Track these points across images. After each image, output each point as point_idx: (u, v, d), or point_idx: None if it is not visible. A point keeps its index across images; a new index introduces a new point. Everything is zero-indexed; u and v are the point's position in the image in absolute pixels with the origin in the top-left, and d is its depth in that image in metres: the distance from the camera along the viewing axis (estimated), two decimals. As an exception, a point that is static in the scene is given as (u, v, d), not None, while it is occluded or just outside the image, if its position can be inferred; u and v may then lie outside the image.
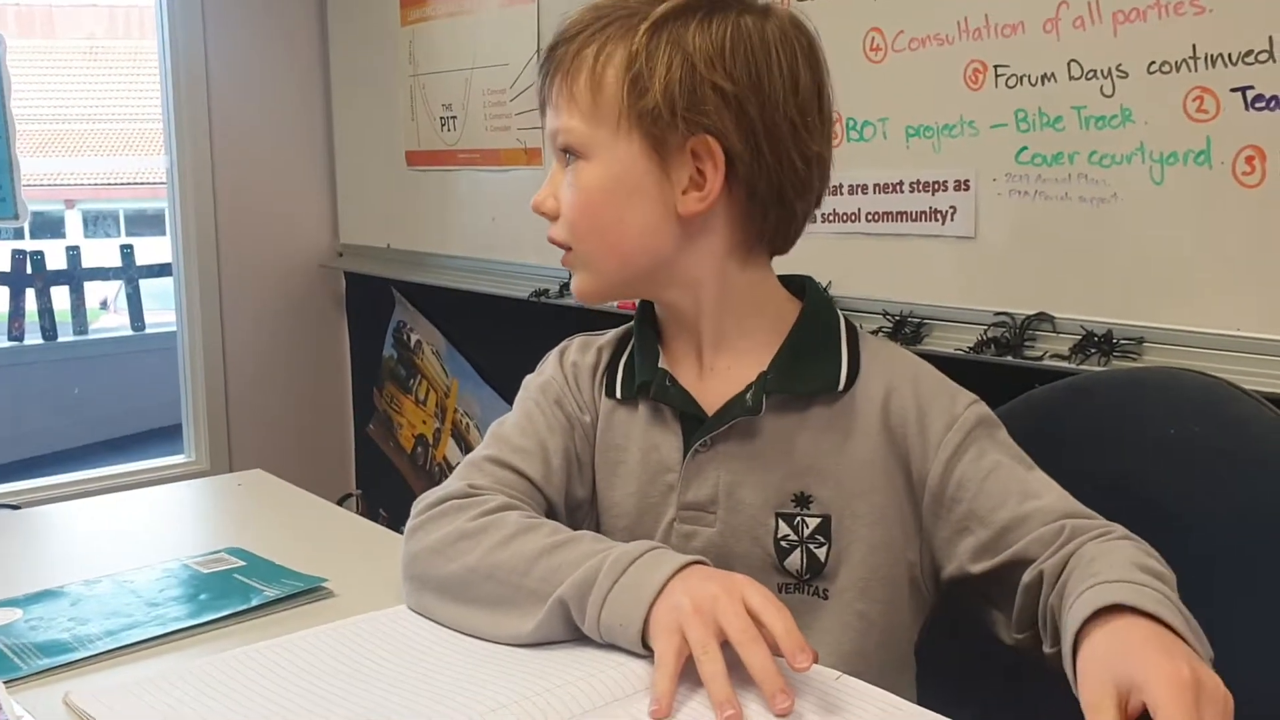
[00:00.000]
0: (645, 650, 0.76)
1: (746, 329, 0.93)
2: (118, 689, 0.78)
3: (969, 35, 1.56)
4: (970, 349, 1.55)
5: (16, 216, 2.69)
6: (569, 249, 0.92)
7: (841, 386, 0.91)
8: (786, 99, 0.87)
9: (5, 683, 0.79)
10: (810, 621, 0.88)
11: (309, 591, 0.97)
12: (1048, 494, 0.87)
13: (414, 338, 2.95)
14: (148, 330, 5.26)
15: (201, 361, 2.95)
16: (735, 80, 0.85)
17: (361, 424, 3.20)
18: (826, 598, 0.89)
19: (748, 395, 0.90)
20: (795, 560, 0.89)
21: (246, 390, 3.03)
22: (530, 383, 1.01)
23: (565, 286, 2.32)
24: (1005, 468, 0.88)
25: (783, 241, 0.94)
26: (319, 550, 1.08)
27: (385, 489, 3.10)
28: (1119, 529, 0.85)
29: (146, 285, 5.21)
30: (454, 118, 2.63)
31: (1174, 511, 1.01)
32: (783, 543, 0.89)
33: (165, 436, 4.32)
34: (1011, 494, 0.87)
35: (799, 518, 0.89)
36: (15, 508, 1.58)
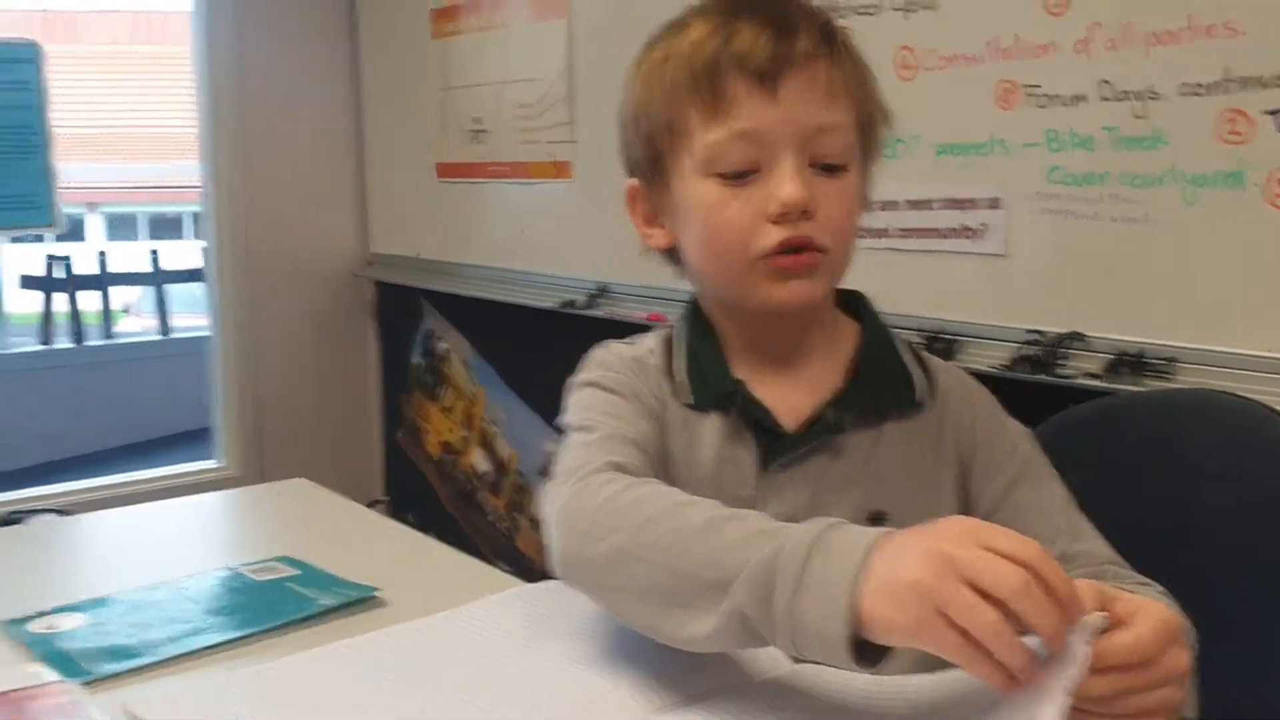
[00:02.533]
0: (859, 664, 0.65)
1: (815, 341, 0.94)
2: (175, 698, 0.80)
3: (999, 55, 1.58)
4: (1003, 366, 1.57)
5: (53, 224, 2.74)
6: (823, 252, 0.87)
7: (920, 400, 0.92)
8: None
9: (82, 685, 0.81)
10: None
11: (361, 601, 1.00)
12: (1095, 540, 0.89)
13: (442, 346, 2.98)
14: (173, 335, 5.34)
15: (234, 368, 2.99)
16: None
17: (390, 431, 3.23)
18: None
19: (829, 412, 0.90)
20: None
21: (277, 397, 3.06)
22: (595, 379, 0.95)
23: (594, 297, 2.35)
24: (1058, 505, 0.90)
25: None
26: (367, 559, 1.11)
27: (413, 496, 3.12)
28: (1156, 586, 0.86)
29: (173, 291, 5.28)
30: (484, 131, 2.66)
31: (1207, 533, 1.03)
32: None
33: (189, 441, 4.37)
34: (1062, 532, 0.88)
35: None
36: (64, 513, 1.62)
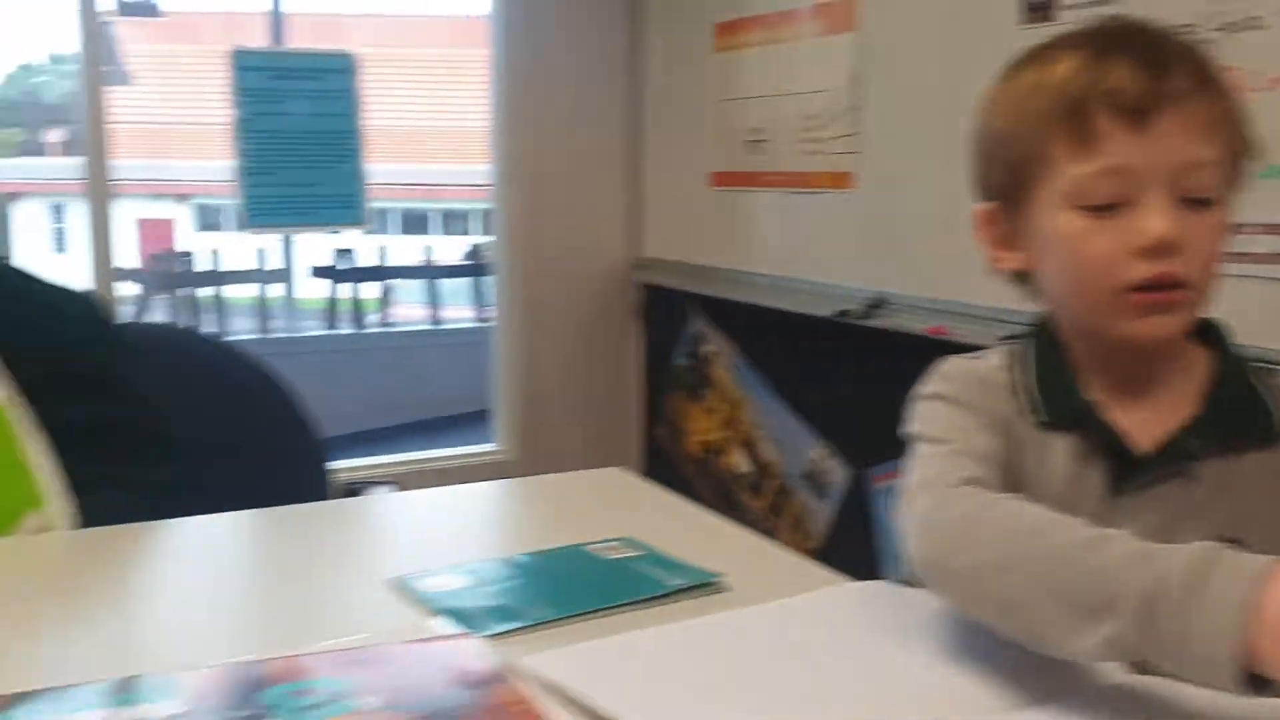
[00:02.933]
0: (1247, 692, 0.68)
1: (1167, 369, 0.95)
2: (567, 656, 0.90)
3: (1332, 77, 1.54)
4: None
5: (363, 222, 2.99)
6: (1187, 288, 0.89)
7: (1277, 432, 0.92)
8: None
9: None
10: None
11: (705, 585, 1.08)
12: None
13: (708, 349, 3.08)
14: (443, 325, 5.68)
15: (514, 358, 3.18)
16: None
17: (650, 428, 3.36)
18: None
19: (1188, 439, 0.91)
20: None
21: (548, 387, 3.24)
22: (942, 392, 0.99)
23: (871, 308, 2.40)
24: None
25: None
26: (698, 547, 1.19)
27: (671, 490, 3.23)
28: None
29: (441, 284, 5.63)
30: (763, 141, 2.74)
31: None
32: None
33: (456, 424, 4.65)
34: None
35: None
36: (397, 485, 1.79)
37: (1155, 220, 0.87)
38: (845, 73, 2.46)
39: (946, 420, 0.96)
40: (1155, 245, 0.87)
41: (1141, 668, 0.80)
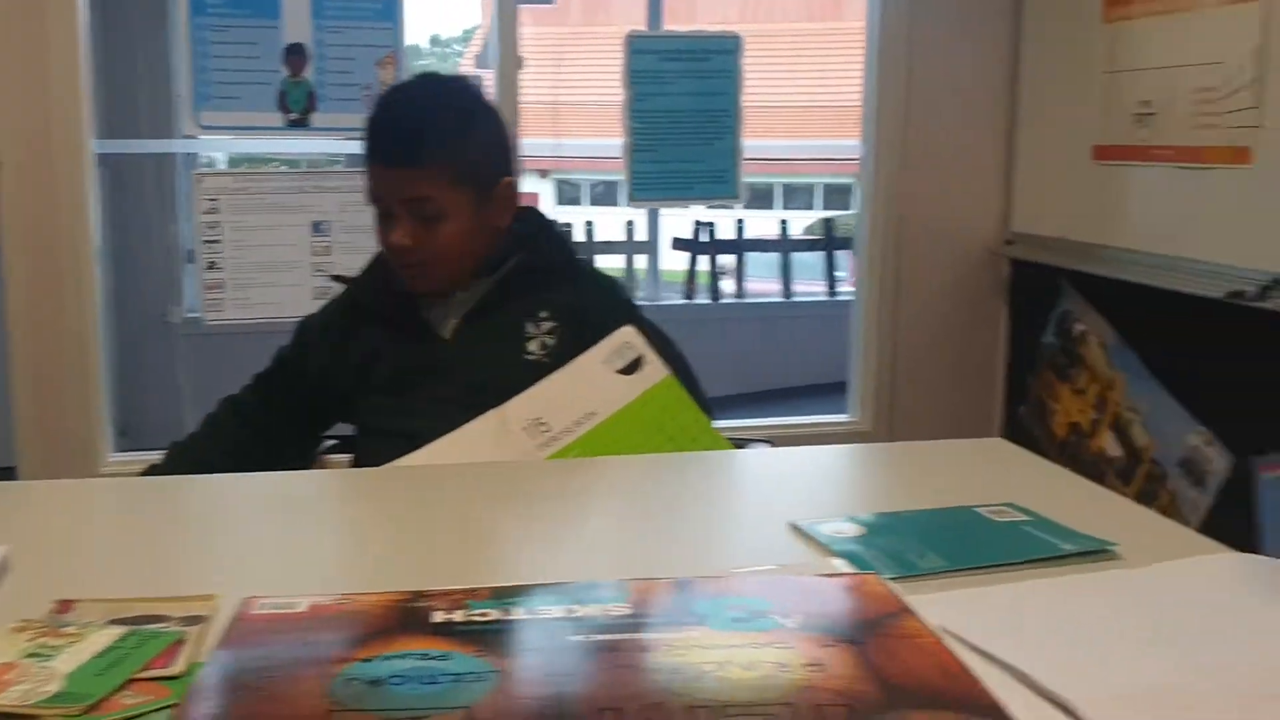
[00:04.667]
0: None
1: None
2: (968, 604, 0.96)
3: None
4: None
5: (737, 196, 3.13)
6: None
7: None
8: None
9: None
10: None
11: (1097, 552, 1.11)
12: None
13: (1079, 328, 3.00)
14: (794, 299, 5.79)
15: (875, 330, 3.22)
16: None
17: (1012, 406, 3.31)
18: None
19: None
20: None
21: (909, 361, 3.26)
22: None
23: (1266, 289, 2.27)
24: None
25: None
26: (1088, 516, 1.21)
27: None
28: None
29: (754, 257, 5.70)
30: (1151, 114, 2.63)
31: None
32: None
33: (810, 394, 4.76)
34: None
35: None
36: (771, 443, 1.90)
37: None
38: (1249, 43, 2.32)
39: None
40: None
41: None
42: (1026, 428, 3.22)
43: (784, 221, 5.75)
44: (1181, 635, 0.89)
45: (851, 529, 1.17)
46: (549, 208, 15.30)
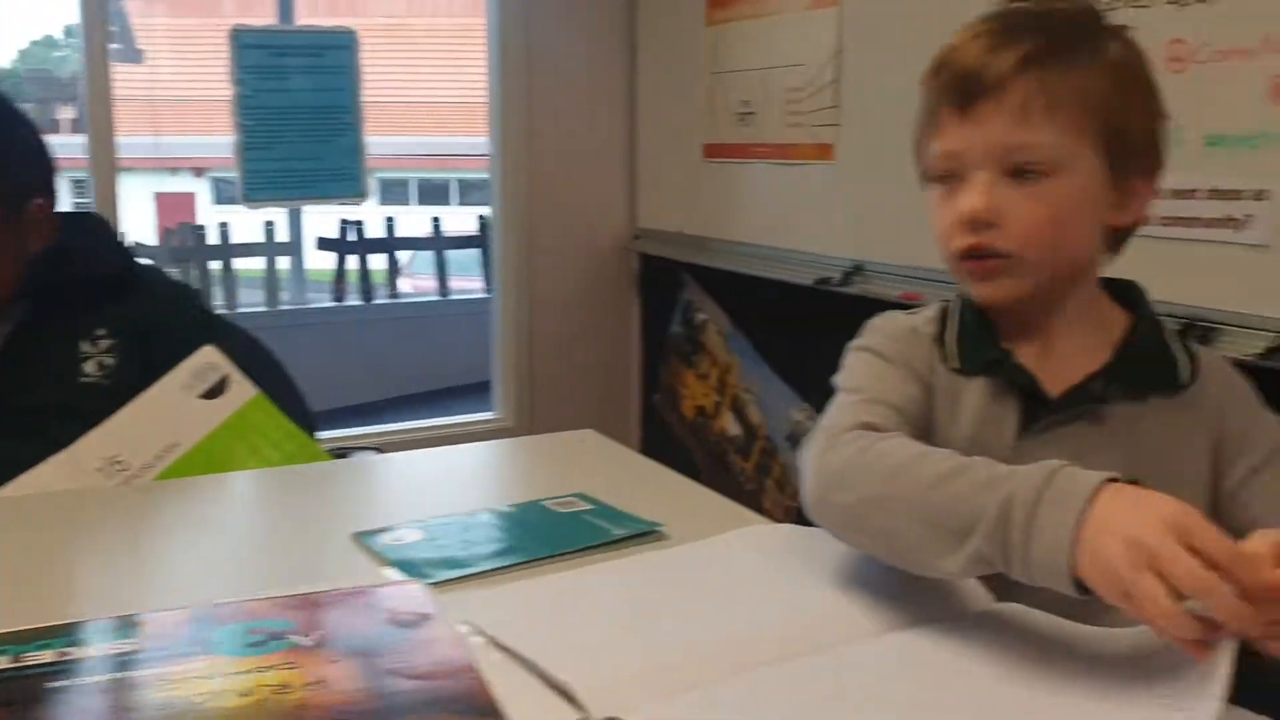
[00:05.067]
0: (1084, 595, 0.76)
1: (1087, 325, 1.02)
2: (496, 599, 0.98)
3: (1274, 49, 1.59)
4: (1260, 355, 1.58)
5: (363, 195, 3.06)
6: (1006, 257, 0.97)
7: (1185, 382, 0.99)
8: (1163, 113, 0.99)
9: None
10: None
11: (647, 534, 1.16)
12: None
13: (700, 317, 3.15)
14: (451, 297, 5.77)
15: (512, 328, 3.25)
16: (1159, 100, 0.98)
17: (648, 394, 3.43)
18: None
19: (1095, 384, 0.98)
20: None
21: (548, 357, 3.31)
22: (869, 344, 1.07)
23: (849, 275, 2.45)
24: None
25: (1120, 247, 1.04)
26: (649, 500, 1.26)
27: (667, 455, 3.30)
28: None
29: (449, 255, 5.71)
30: (751, 114, 2.79)
31: None
32: None
33: (461, 394, 4.74)
34: None
35: None
36: (379, 450, 1.87)
37: (968, 197, 0.96)
38: (828, 46, 2.51)
39: (865, 371, 1.05)
40: (969, 218, 0.96)
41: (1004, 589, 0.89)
42: (661, 414, 3.35)
43: (436, 219, 5.71)
44: (702, 608, 0.93)
45: (412, 535, 1.16)
46: (206, 208, 14.50)
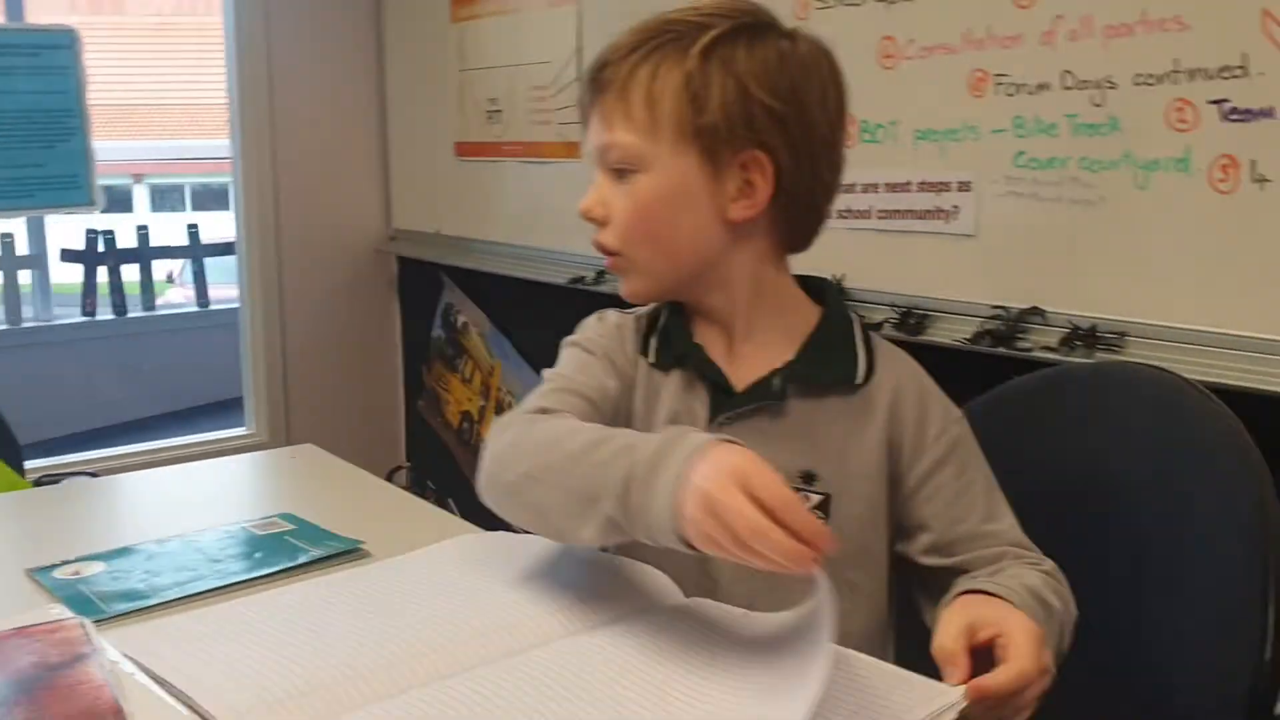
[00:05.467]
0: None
1: (773, 323, 1.04)
2: (157, 630, 0.91)
3: (973, 45, 1.66)
4: (968, 340, 1.65)
5: (93, 203, 2.87)
6: (618, 254, 1.01)
7: (859, 380, 1.01)
8: (821, 116, 0.99)
9: (94, 622, 0.93)
10: (798, 584, 0.99)
11: (348, 552, 1.11)
12: (1004, 521, 1.00)
13: (461, 320, 3.10)
14: (213, 306, 5.51)
15: (262, 338, 3.12)
16: (781, 100, 0.97)
17: (412, 400, 3.36)
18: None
19: (774, 380, 1.00)
20: None
21: (304, 367, 3.19)
22: (577, 339, 1.09)
23: (602, 274, 2.45)
24: (978, 487, 1.00)
25: (807, 243, 1.05)
26: (359, 517, 1.22)
27: (433, 462, 3.25)
28: (1049, 564, 0.97)
29: (212, 262, 5.44)
30: (499, 111, 2.76)
31: (1125, 496, 1.12)
32: None
33: (226, 409, 4.52)
34: (976, 512, 0.99)
35: (803, 493, 0.99)
36: (94, 475, 1.75)
37: (585, 197, 1.01)
38: (569, 44, 2.50)
39: (567, 363, 1.06)
40: (581, 215, 1.02)
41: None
42: (426, 419, 3.28)
43: (193, 226, 5.44)
44: (387, 624, 0.89)
45: (93, 568, 1.08)
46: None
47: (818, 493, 1.00)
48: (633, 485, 0.82)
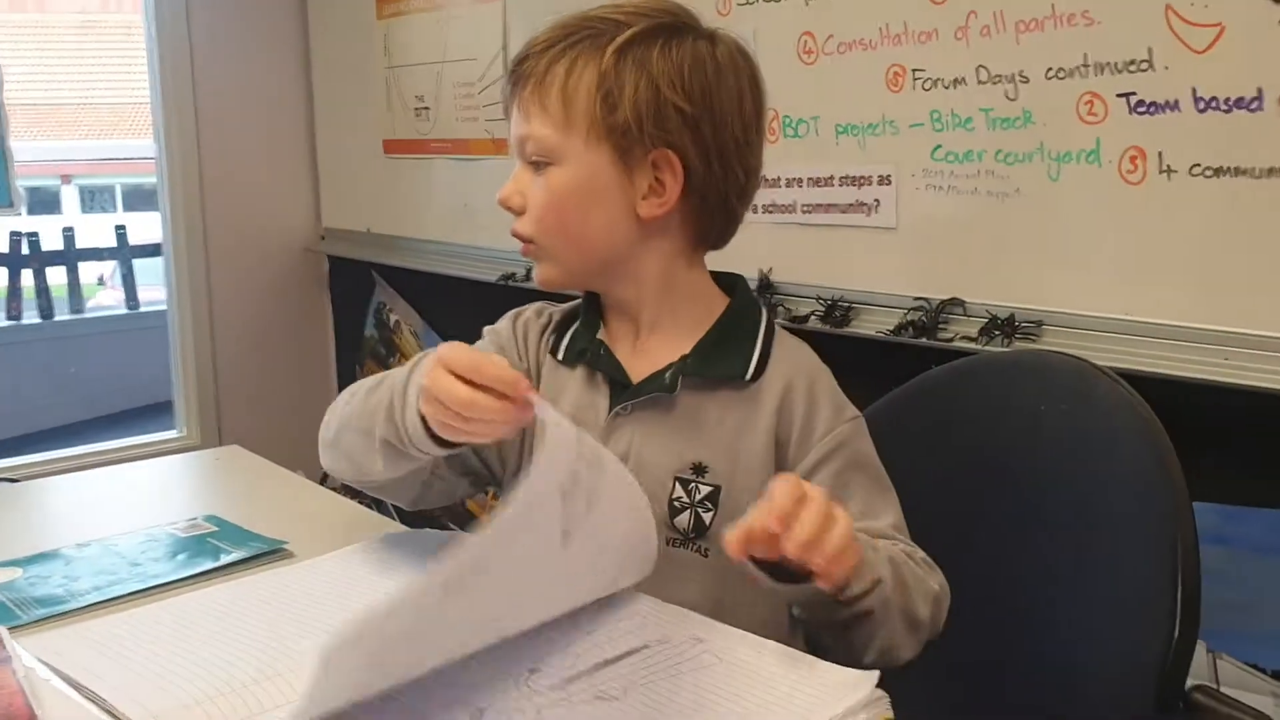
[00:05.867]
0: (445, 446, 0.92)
1: (680, 318, 1.06)
2: (74, 635, 0.90)
3: (890, 41, 1.69)
4: (891, 331, 1.68)
5: (11, 205, 2.82)
6: (532, 242, 1.04)
7: (749, 377, 1.03)
8: (734, 118, 1.00)
9: (9, 629, 0.92)
10: (691, 574, 1.01)
11: (271, 552, 1.10)
12: (884, 517, 1.01)
13: (393, 318, 3.08)
14: (142, 309, 5.43)
15: (191, 340, 3.08)
16: (693, 101, 0.98)
17: (345, 400, 3.33)
18: (706, 555, 1.02)
19: (666, 374, 1.02)
20: (684, 520, 1.02)
21: (234, 368, 3.16)
22: (488, 330, 1.15)
23: (531, 271, 2.46)
24: (858, 486, 1.02)
25: (721, 241, 1.07)
26: (284, 517, 1.21)
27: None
28: (919, 553, 0.99)
29: (143, 263, 5.36)
30: (427, 109, 2.75)
31: (1038, 481, 1.14)
32: (675, 503, 1.02)
33: (158, 412, 4.46)
34: (853, 510, 0.99)
35: (693, 484, 1.02)
36: (14, 481, 1.72)
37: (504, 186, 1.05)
38: (495, 40, 2.49)
39: None
40: (500, 204, 1.05)
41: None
42: (361, 420, 3.26)
43: (121, 227, 5.35)
44: (302, 625, 0.89)
45: (8, 574, 1.07)
46: None
47: (708, 484, 1.02)
48: (394, 405, 0.93)
